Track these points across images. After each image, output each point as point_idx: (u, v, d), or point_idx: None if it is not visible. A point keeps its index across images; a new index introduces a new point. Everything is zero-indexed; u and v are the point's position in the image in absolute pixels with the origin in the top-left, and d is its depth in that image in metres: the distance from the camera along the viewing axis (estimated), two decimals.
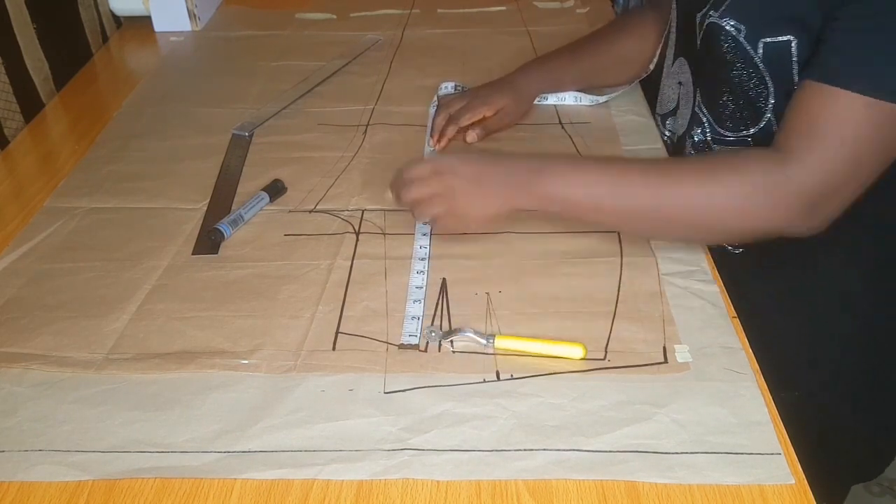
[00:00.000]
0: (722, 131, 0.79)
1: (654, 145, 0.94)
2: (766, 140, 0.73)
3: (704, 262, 0.74)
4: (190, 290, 0.73)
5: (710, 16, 0.73)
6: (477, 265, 0.75)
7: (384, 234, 0.80)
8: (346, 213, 0.83)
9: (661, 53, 0.92)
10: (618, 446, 0.56)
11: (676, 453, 0.56)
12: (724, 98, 0.76)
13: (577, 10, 1.34)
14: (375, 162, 0.93)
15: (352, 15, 1.35)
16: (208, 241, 0.79)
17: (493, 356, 0.64)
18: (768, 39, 0.70)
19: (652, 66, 0.96)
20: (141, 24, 1.31)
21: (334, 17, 1.34)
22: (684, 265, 0.74)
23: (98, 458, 0.56)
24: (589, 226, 0.75)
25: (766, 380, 0.61)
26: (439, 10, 1.36)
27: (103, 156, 0.95)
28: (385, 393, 0.61)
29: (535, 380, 0.62)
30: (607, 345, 0.65)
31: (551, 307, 0.69)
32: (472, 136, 0.93)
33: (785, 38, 0.69)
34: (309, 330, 0.68)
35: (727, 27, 0.72)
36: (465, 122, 0.93)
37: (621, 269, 0.73)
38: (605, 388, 0.61)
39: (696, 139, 0.82)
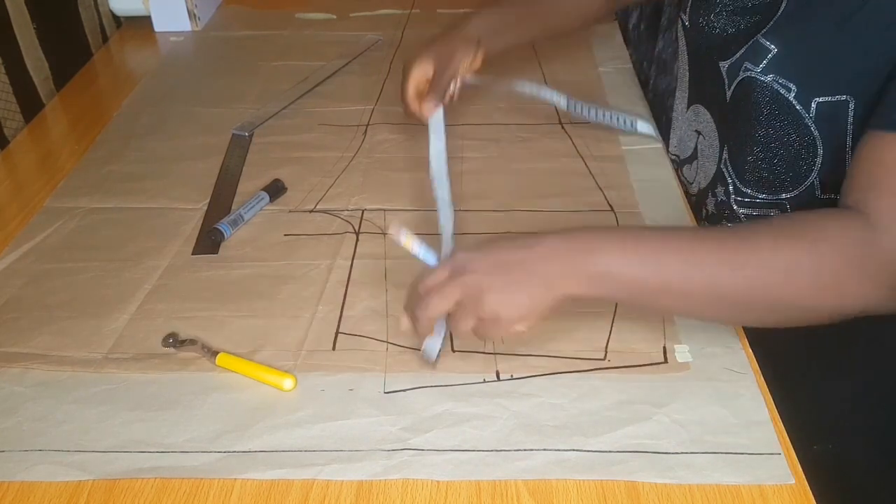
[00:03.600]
0: (750, 192, 0.72)
1: (653, 144, 0.94)
2: (804, 205, 0.67)
3: None
4: (190, 290, 0.73)
5: (747, 69, 0.67)
6: None
7: (384, 233, 0.80)
8: (346, 213, 0.83)
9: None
10: (618, 446, 0.56)
11: (676, 453, 0.56)
12: (759, 158, 0.70)
13: None
14: (375, 162, 0.93)
15: (352, 15, 1.35)
16: (208, 241, 0.79)
17: (493, 356, 0.64)
18: (823, 99, 0.64)
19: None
20: (141, 24, 1.31)
21: (334, 17, 1.34)
22: None
23: (98, 458, 0.56)
24: (652, 313, 0.64)
25: (797, 431, 0.56)
26: (439, 10, 1.36)
27: (103, 156, 0.95)
28: (385, 393, 0.61)
29: (535, 380, 0.62)
30: (607, 345, 0.65)
31: None
32: (427, 108, 0.80)
33: (842, 97, 0.63)
34: (309, 330, 0.68)
35: (774, 86, 0.65)
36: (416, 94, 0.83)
37: None
38: (605, 388, 0.61)
39: (720, 199, 0.76)
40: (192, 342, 0.65)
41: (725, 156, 0.75)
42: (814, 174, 0.67)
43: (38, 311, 0.70)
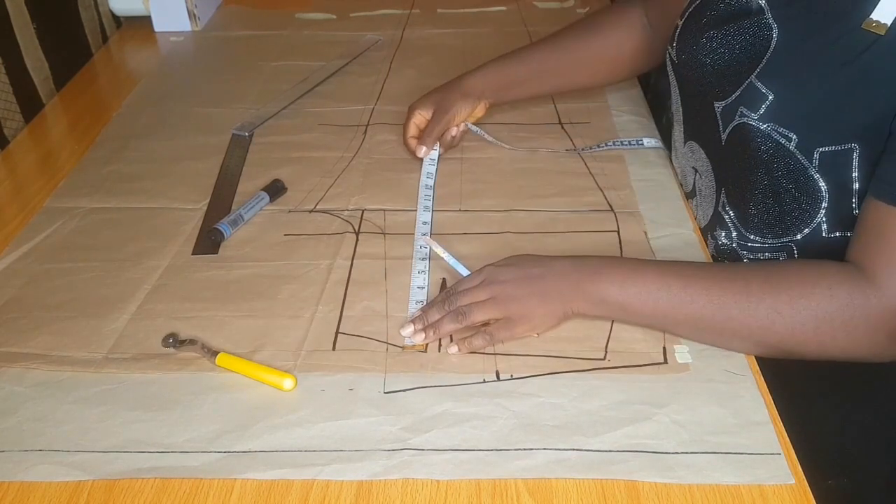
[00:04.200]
0: (752, 237, 0.70)
1: (653, 145, 0.94)
2: (812, 245, 0.66)
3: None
4: (190, 290, 0.73)
5: (743, 115, 0.66)
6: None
7: (384, 233, 0.80)
8: (346, 212, 0.83)
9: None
10: (618, 446, 0.56)
11: (676, 453, 0.56)
12: (761, 205, 0.68)
13: (578, 10, 1.34)
14: (375, 162, 0.93)
15: (352, 15, 1.35)
16: (208, 241, 0.79)
17: (493, 356, 0.64)
18: (826, 149, 0.62)
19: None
20: (141, 24, 1.31)
21: (334, 17, 1.34)
22: None
23: (98, 458, 0.56)
24: (650, 329, 0.66)
25: (809, 463, 0.56)
26: (439, 10, 1.36)
27: (103, 156, 0.95)
28: (385, 393, 0.61)
29: (535, 380, 0.62)
30: (607, 345, 0.65)
31: None
32: (420, 150, 0.88)
33: (847, 145, 0.61)
34: (309, 330, 0.68)
35: (773, 135, 0.64)
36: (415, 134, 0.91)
37: None
38: (605, 388, 0.61)
39: (720, 242, 0.74)
40: (192, 342, 0.65)
41: (724, 199, 0.73)
42: (819, 217, 0.65)
43: (38, 311, 0.70)
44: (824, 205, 0.64)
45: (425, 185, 0.86)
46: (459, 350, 0.64)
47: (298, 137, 0.98)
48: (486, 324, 0.65)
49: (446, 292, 0.68)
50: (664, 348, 0.65)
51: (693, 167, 0.80)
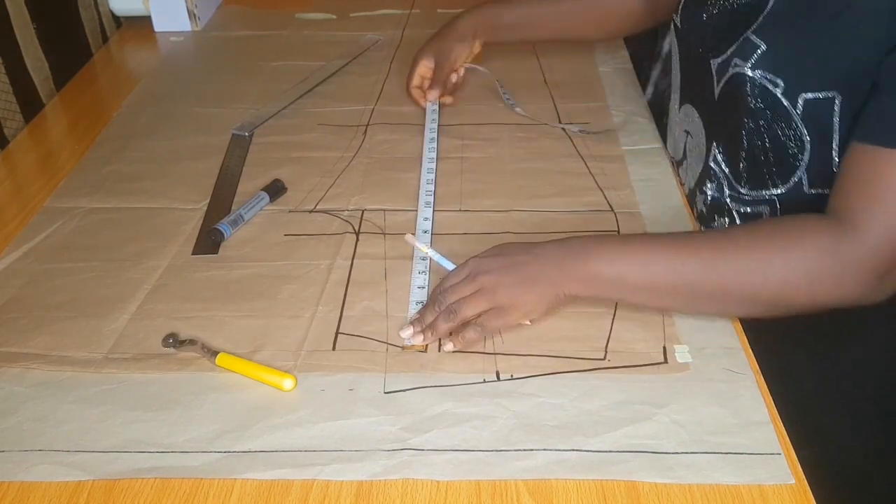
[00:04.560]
0: (740, 189, 0.72)
1: (653, 144, 0.94)
2: (794, 201, 0.68)
3: None
4: (190, 290, 0.73)
5: (736, 65, 0.67)
6: None
7: (384, 234, 0.80)
8: (346, 213, 0.83)
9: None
10: (618, 446, 0.56)
11: (676, 453, 0.56)
12: (748, 153, 0.70)
13: None
14: (375, 162, 0.93)
15: (352, 15, 1.35)
16: (208, 241, 0.79)
17: (493, 356, 0.64)
18: (810, 95, 0.63)
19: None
20: (141, 24, 1.31)
21: (334, 17, 1.34)
22: None
23: (98, 458, 0.56)
24: (645, 309, 0.67)
25: (809, 463, 0.56)
26: (439, 10, 1.36)
27: (103, 156, 0.95)
28: (385, 393, 0.61)
29: (535, 380, 0.62)
30: (607, 345, 0.65)
31: None
32: (430, 95, 0.99)
33: (829, 93, 0.63)
34: (309, 330, 0.68)
35: (762, 81, 0.65)
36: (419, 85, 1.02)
37: None
38: (605, 388, 0.61)
39: (709, 196, 0.76)
40: (192, 342, 0.65)
41: (714, 152, 0.75)
42: (801, 170, 0.67)
43: (38, 311, 0.70)
44: (806, 156, 0.65)
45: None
46: (455, 346, 0.64)
47: (298, 137, 0.98)
48: (479, 316, 0.65)
49: (435, 291, 0.68)
50: (664, 348, 0.65)
51: (685, 130, 0.82)
